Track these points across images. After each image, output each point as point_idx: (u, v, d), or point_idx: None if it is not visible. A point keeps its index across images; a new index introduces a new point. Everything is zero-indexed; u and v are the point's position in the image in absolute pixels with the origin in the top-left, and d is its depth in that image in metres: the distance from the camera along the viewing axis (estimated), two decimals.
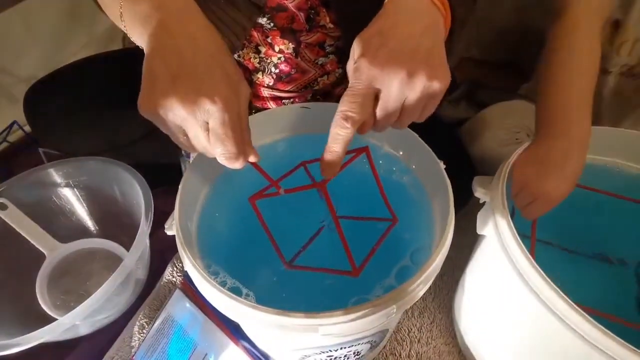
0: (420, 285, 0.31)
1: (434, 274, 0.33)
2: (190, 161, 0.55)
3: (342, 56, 0.70)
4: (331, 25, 0.63)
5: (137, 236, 0.50)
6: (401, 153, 0.47)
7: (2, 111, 0.86)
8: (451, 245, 0.35)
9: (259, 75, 0.70)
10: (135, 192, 0.57)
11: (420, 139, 0.44)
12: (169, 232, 0.38)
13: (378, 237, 0.39)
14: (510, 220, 0.35)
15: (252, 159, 0.36)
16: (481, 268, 0.44)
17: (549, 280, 0.32)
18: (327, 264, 0.38)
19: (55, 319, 0.45)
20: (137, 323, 0.58)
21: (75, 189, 0.61)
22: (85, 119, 0.60)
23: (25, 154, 0.87)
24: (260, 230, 0.44)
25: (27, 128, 0.87)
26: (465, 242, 0.50)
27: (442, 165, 0.41)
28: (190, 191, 0.43)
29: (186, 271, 0.61)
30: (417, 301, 0.58)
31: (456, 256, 0.59)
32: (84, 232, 0.63)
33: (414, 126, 0.47)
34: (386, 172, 0.47)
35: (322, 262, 0.39)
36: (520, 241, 0.34)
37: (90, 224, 0.64)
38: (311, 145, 0.51)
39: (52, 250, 0.58)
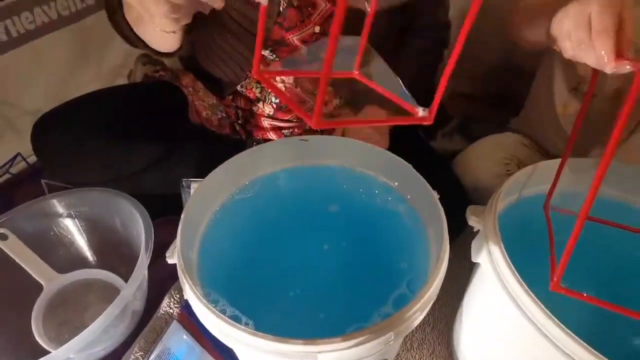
0: (417, 312, 0.32)
1: (430, 301, 0.34)
2: (191, 192, 0.56)
3: (341, 88, 0.74)
4: None
5: (136, 267, 0.50)
6: (396, 184, 0.49)
7: (6, 143, 0.87)
8: (449, 274, 0.35)
9: (260, 105, 0.73)
10: (135, 222, 0.57)
11: (414, 169, 0.45)
12: (170, 261, 0.39)
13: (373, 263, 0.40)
14: (503, 248, 0.36)
15: None
16: (478, 296, 0.44)
17: (544, 307, 0.33)
18: (328, 288, 0.39)
19: (49, 352, 0.44)
20: (133, 356, 0.57)
21: (76, 220, 0.62)
22: (90, 150, 0.62)
23: (26, 185, 0.88)
24: (259, 260, 0.45)
25: (31, 160, 0.89)
26: (463, 271, 0.50)
27: (436, 195, 0.43)
28: (192, 221, 0.44)
29: (184, 302, 0.61)
30: (416, 332, 0.58)
31: (454, 285, 0.60)
32: (82, 262, 0.63)
33: (408, 158, 0.50)
34: (382, 202, 0.48)
35: (324, 286, 0.39)
36: (513, 268, 0.35)
37: (88, 254, 0.64)
38: (309, 175, 0.52)
39: (50, 281, 0.58)
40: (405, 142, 0.72)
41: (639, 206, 0.49)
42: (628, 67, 0.36)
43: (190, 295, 0.34)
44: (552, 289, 0.30)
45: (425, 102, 0.57)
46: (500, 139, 0.75)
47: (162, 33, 0.50)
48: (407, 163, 0.46)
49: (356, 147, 0.49)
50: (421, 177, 0.45)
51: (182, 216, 0.42)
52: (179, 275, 0.36)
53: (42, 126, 0.63)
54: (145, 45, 0.58)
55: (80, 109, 0.65)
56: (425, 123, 0.30)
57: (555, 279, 0.29)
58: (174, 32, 0.50)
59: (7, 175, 0.87)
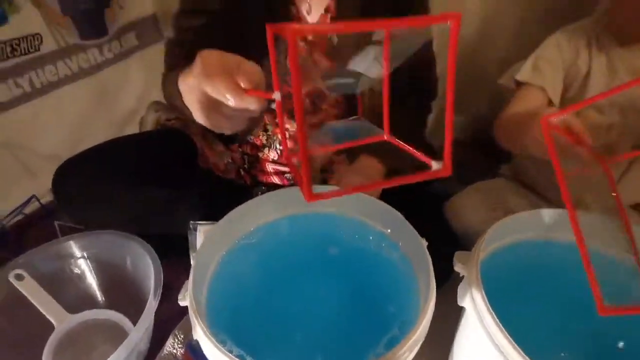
0: (406, 352, 0.35)
1: (419, 342, 0.37)
2: (198, 234, 0.60)
3: None
4: (335, 104, 0.74)
5: (144, 311, 0.52)
6: (389, 231, 0.53)
7: (22, 185, 0.92)
8: (439, 317, 0.39)
9: (265, 150, 0.79)
10: (145, 264, 0.61)
11: (404, 219, 0.50)
12: (182, 303, 0.42)
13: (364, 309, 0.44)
14: (484, 294, 0.40)
15: None
16: (465, 340, 0.47)
17: (521, 351, 0.36)
18: (326, 330, 0.42)
19: None
20: None
21: (88, 261, 0.66)
22: (105, 194, 0.67)
23: (38, 226, 0.92)
24: (263, 302, 0.48)
25: (44, 201, 0.93)
26: (454, 312, 0.53)
27: (425, 243, 0.47)
28: (201, 265, 0.48)
29: (188, 343, 0.63)
30: None
31: (444, 328, 0.62)
32: (91, 302, 0.66)
33: (401, 202, 0.54)
34: (376, 248, 0.52)
35: (323, 328, 0.42)
36: (493, 313, 0.39)
37: (98, 294, 0.67)
38: (309, 222, 0.57)
39: (61, 321, 0.60)
40: (400, 187, 0.77)
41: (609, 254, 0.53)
42: None
43: (201, 335, 0.37)
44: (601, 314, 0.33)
45: (408, 160, 0.64)
46: (489, 185, 0.79)
47: None
48: (398, 212, 0.51)
49: (352, 196, 0.54)
50: (411, 226, 0.49)
51: (193, 262, 0.46)
52: (190, 316, 0.40)
53: (63, 171, 0.68)
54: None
55: (98, 157, 0.70)
56: (443, 176, 0.31)
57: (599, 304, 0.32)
58: None
59: (20, 216, 0.91)
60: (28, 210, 0.93)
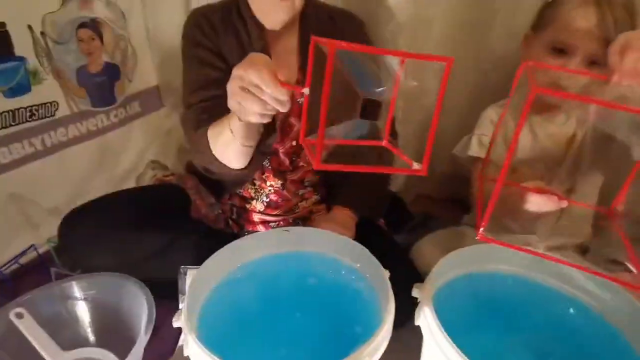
0: (366, 357, 0.42)
1: (378, 348, 0.44)
2: (187, 278, 0.66)
3: (317, 188, 0.91)
4: (309, 161, 0.85)
5: (135, 345, 0.56)
6: (358, 265, 0.62)
7: (21, 235, 0.98)
8: (407, 347, 0.45)
9: (253, 202, 0.88)
10: (139, 304, 0.66)
11: (371, 254, 0.59)
12: (176, 324, 0.49)
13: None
14: (432, 308, 0.48)
15: None
16: (426, 356, 0.54)
17: (462, 353, 0.43)
18: (305, 349, 0.49)
19: None
20: None
21: (85, 301, 0.71)
22: (106, 240, 0.74)
23: (32, 275, 0.96)
24: (254, 329, 0.55)
25: (41, 250, 0.98)
26: (418, 345, 0.60)
27: (387, 274, 0.56)
28: (193, 295, 0.55)
29: None
30: None
31: (409, 357, 0.68)
32: (85, 340, 0.70)
33: (372, 248, 0.62)
34: (347, 280, 0.60)
35: (302, 347, 0.49)
36: (442, 329, 0.47)
37: (90, 332, 0.71)
38: (290, 259, 0.65)
39: (55, 359, 0.64)
40: (372, 235, 0.86)
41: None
42: None
43: (193, 347, 0.44)
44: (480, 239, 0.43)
45: (376, 210, 0.77)
46: (449, 231, 0.90)
47: (241, 147, 0.64)
48: (365, 248, 0.60)
49: (327, 236, 0.63)
50: (376, 260, 0.58)
51: (187, 290, 0.53)
52: (183, 333, 0.46)
53: (70, 218, 0.76)
54: (218, 165, 0.70)
55: (102, 207, 0.79)
56: (420, 174, 0.44)
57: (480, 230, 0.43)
58: (250, 146, 0.65)
59: (16, 265, 0.96)
60: (24, 259, 0.97)
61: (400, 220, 1.16)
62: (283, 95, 0.49)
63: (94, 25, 1.03)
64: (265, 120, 0.55)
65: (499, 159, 0.77)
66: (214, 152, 0.69)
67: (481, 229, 0.47)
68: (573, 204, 0.79)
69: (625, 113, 0.68)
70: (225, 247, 0.62)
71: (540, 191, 0.58)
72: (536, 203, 0.57)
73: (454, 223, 1.04)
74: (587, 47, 0.65)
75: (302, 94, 0.45)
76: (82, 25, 1.01)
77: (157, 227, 0.79)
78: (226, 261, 0.62)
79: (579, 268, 0.57)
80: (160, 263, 0.77)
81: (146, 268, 0.76)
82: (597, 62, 0.65)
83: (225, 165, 0.70)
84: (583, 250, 1.07)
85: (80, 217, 0.76)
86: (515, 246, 0.55)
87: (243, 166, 0.72)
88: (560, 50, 0.68)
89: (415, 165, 0.43)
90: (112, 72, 1.11)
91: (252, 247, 0.65)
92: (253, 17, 0.73)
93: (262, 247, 0.65)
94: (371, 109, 0.85)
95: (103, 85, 1.08)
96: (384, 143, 0.50)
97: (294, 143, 0.83)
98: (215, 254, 0.61)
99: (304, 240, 0.65)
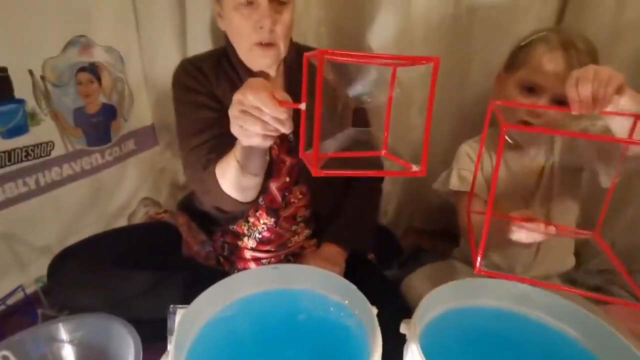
0: None
1: None
2: (177, 318, 0.66)
3: (309, 223, 0.92)
4: (301, 196, 0.87)
5: None
6: (347, 302, 0.62)
7: (9, 276, 0.97)
8: None
9: (245, 239, 0.89)
10: (127, 345, 0.66)
11: (358, 290, 0.59)
12: None
13: None
14: (419, 345, 0.48)
15: None
16: None
17: None
18: None
19: None
20: None
21: (72, 343, 0.70)
22: (95, 279, 0.74)
23: (19, 316, 0.94)
24: None
25: (29, 291, 0.97)
26: None
27: (375, 310, 0.56)
28: (182, 332, 0.54)
29: None
30: None
31: None
32: None
33: (363, 283, 0.62)
34: (336, 316, 0.61)
35: None
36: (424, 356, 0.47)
37: None
38: (279, 296, 0.65)
39: None
40: (362, 271, 0.87)
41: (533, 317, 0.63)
42: None
43: None
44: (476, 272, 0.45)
45: (365, 245, 0.79)
46: (439, 265, 0.91)
47: (248, 178, 0.66)
48: (353, 285, 0.60)
49: (316, 273, 0.64)
50: (364, 296, 0.58)
51: (175, 328, 0.53)
52: None
53: (58, 259, 0.76)
54: (228, 200, 0.72)
55: (93, 246, 0.79)
56: (419, 175, 0.46)
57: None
58: (257, 174, 0.67)
59: (3, 306, 0.94)
60: (12, 300, 0.96)
61: (391, 255, 1.16)
62: (282, 114, 0.51)
63: (93, 69, 1.08)
64: (268, 142, 0.56)
65: (478, 192, 0.82)
66: (222, 188, 0.70)
67: (478, 263, 0.49)
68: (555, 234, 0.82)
69: (591, 145, 0.73)
70: (215, 285, 0.62)
71: (527, 220, 0.60)
72: (525, 232, 0.59)
73: (445, 256, 1.05)
74: (554, 88, 0.70)
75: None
76: (82, 69, 1.05)
77: (147, 266, 0.79)
78: (215, 299, 0.62)
79: (574, 292, 0.58)
80: (149, 302, 0.77)
81: (135, 308, 0.76)
82: (563, 102, 0.69)
83: (235, 200, 0.72)
84: (571, 281, 1.08)
85: (67, 257, 0.77)
86: (511, 276, 0.56)
87: (253, 198, 0.73)
88: (530, 90, 0.74)
89: (415, 168, 0.46)
90: (109, 113, 1.14)
91: (242, 284, 0.65)
92: (241, 63, 0.78)
93: (252, 285, 0.66)
94: (361, 117, 0.88)
95: (99, 125, 1.11)
96: (383, 153, 0.51)
97: (287, 179, 0.86)
98: (204, 292, 0.61)
99: (293, 277, 0.65)
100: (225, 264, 0.91)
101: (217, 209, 0.79)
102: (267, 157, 0.66)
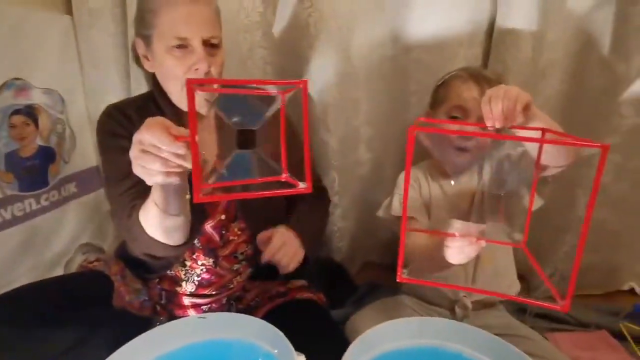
0: None
1: None
2: None
3: (251, 260, 0.89)
4: (240, 232, 0.85)
5: None
6: (276, 351, 0.59)
7: None
8: None
9: (183, 284, 0.85)
10: None
11: (286, 338, 0.57)
12: None
13: None
14: None
15: None
16: None
17: None
18: None
19: None
20: None
21: None
22: (10, 338, 0.67)
23: None
24: None
25: None
26: None
27: (303, 358, 0.54)
28: None
29: None
30: None
31: None
32: None
33: (306, 325, 0.59)
34: None
35: None
36: None
37: None
38: (208, 348, 0.62)
39: None
40: (303, 312, 0.84)
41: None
42: None
43: None
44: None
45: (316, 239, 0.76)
46: (385, 302, 0.90)
47: (171, 219, 0.64)
48: (281, 333, 0.58)
49: (245, 321, 0.61)
50: (291, 345, 0.56)
51: None
52: None
53: None
54: (156, 245, 0.69)
55: (10, 302, 0.73)
56: (306, 192, 0.49)
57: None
58: (177, 214, 0.64)
59: None
60: None
61: (344, 292, 1.14)
62: (180, 149, 0.51)
63: (28, 111, 1.04)
64: (173, 179, 0.55)
65: (417, 216, 0.85)
66: (148, 233, 0.68)
67: (400, 272, 0.52)
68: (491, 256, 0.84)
69: (514, 170, 0.77)
70: (137, 338, 0.58)
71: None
72: (457, 246, 0.60)
73: (397, 291, 1.04)
74: (477, 111, 0.76)
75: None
76: (16, 111, 1.01)
77: (73, 321, 0.74)
78: (139, 354, 0.58)
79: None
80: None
81: None
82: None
83: (164, 244, 0.69)
84: (519, 310, 1.09)
85: None
86: (442, 284, 0.56)
87: (183, 240, 0.71)
88: (456, 119, 0.81)
89: (301, 185, 0.48)
90: (46, 155, 1.09)
91: (168, 336, 0.61)
92: (170, 104, 0.77)
93: (178, 336, 0.62)
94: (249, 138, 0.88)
95: (34, 169, 1.06)
96: (283, 177, 0.52)
97: (222, 217, 0.83)
98: (126, 346, 0.57)
99: (221, 327, 0.62)
100: (162, 313, 0.86)
101: (150, 256, 0.75)
102: (188, 196, 0.65)
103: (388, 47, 1.07)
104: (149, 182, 0.56)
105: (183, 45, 0.73)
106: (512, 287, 0.91)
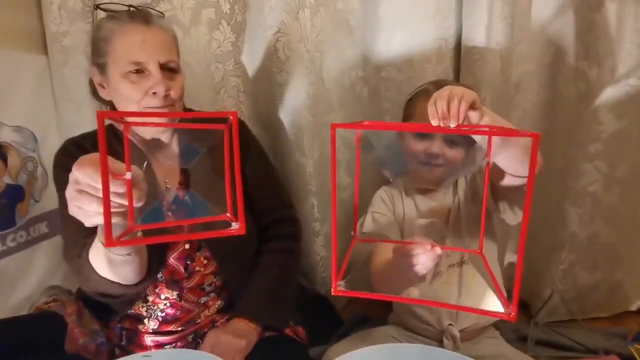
0: None
1: None
2: None
3: (221, 292, 0.83)
4: (206, 262, 0.79)
5: None
6: None
7: None
8: None
9: (145, 321, 0.78)
10: None
11: None
12: None
13: None
14: None
15: None
16: None
17: None
18: None
19: None
20: None
21: None
22: None
23: None
24: None
25: None
26: None
27: None
28: None
29: None
30: None
31: None
32: None
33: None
34: None
35: None
36: None
37: None
38: None
39: None
40: (279, 348, 0.77)
41: None
42: None
43: None
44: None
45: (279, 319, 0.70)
46: (368, 333, 0.85)
47: (120, 258, 0.60)
48: None
49: (191, 356, 0.55)
50: None
51: None
52: None
53: None
54: (110, 285, 0.66)
55: None
56: (239, 233, 0.48)
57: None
58: (129, 254, 0.60)
59: None
60: None
61: (328, 327, 1.06)
62: (117, 187, 0.46)
63: None
64: (114, 220, 0.50)
65: (389, 233, 0.83)
66: (99, 273, 0.64)
67: (335, 285, 0.49)
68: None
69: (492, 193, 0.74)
70: None
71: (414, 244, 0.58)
72: (414, 259, 0.57)
73: (383, 322, 0.97)
74: None
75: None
76: None
77: None
78: None
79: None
80: None
81: None
82: (454, 141, 0.78)
83: (118, 284, 0.66)
84: (521, 338, 1.01)
85: None
86: (377, 295, 0.53)
87: (139, 278, 0.67)
88: (424, 135, 0.79)
89: (234, 225, 0.47)
90: (14, 194, 1.06)
91: None
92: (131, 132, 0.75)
93: None
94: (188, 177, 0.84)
95: (1, 208, 1.02)
96: (228, 216, 0.50)
97: (186, 246, 0.78)
98: None
99: None
100: (122, 354, 0.78)
101: (105, 296, 0.70)
102: (140, 233, 0.60)
103: (359, 68, 1.06)
104: (87, 224, 0.51)
105: (140, 70, 0.72)
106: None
